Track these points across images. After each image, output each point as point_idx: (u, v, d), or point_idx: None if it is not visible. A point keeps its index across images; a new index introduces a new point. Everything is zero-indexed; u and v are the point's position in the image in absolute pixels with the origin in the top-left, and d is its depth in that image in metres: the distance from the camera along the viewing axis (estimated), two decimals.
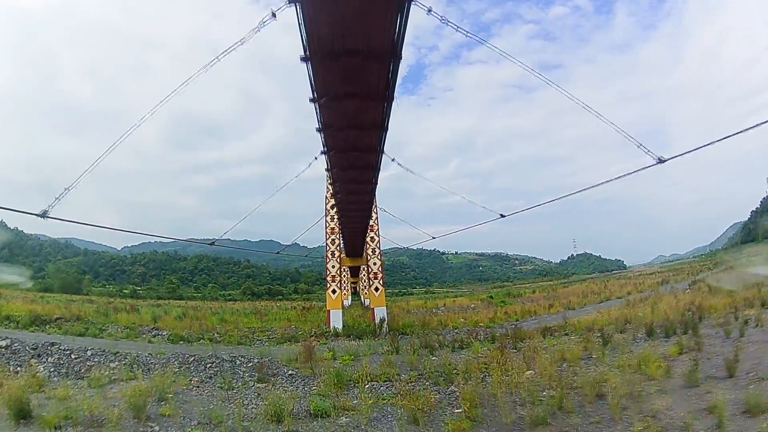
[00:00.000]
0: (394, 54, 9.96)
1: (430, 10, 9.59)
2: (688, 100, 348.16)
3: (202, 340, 19.92)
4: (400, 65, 10.49)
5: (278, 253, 32.63)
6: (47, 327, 21.79)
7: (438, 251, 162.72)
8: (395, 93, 11.76)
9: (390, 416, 8.78)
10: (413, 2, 8.86)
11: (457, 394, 9.45)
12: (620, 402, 8.71)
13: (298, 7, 8.59)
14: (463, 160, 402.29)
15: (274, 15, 9.49)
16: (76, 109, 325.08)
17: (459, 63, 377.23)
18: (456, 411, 8.75)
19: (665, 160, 10.87)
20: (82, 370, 13.98)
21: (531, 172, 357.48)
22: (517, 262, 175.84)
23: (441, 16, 10.26)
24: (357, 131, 13.92)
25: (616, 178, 13.66)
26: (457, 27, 10.87)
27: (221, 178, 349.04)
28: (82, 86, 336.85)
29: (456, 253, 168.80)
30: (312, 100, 11.78)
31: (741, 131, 9.65)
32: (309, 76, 10.59)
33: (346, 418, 8.70)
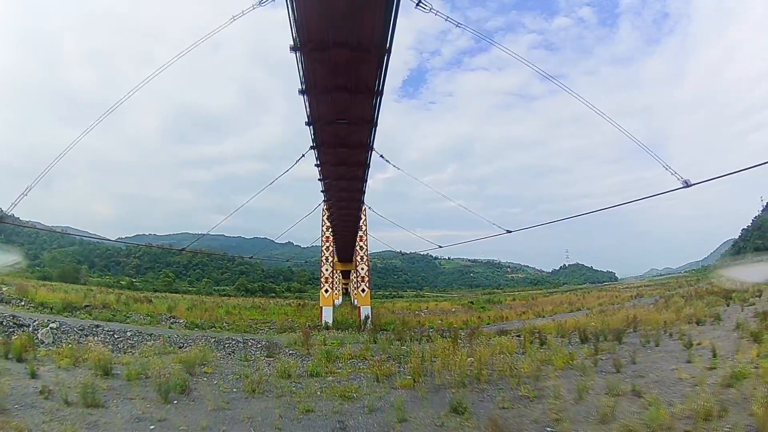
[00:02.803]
0: (376, 91, 13.06)
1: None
2: (691, 116, 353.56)
3: (213, 328, 24.33)
4: (383, 99, 13.71)
5: (288, 261, 37.17)
6: (78, 313, 25.87)
7: (431, 256, 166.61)
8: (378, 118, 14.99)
9: (362, 377, 13.28)
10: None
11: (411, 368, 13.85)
12: (521, 379, 13.09)
13: (297, 55, 11.65)
14: (460, 165, 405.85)
15: None
16: (76, 96, 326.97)
17: (461, 69, 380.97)
18: (406, 377, 13.18)
19: (511, 232, 14.98)
20: (126, 347, 18.26)
21: (528, 181, 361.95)
22: (509, 269, 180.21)
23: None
24: (346, 149, 17.43)
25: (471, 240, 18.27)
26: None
27: (218, 173, 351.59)
28: (83, 74, 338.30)
29: (449, 258, 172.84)
30: (308, 124, 15.21)
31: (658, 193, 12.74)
32: (305, 105, 14.05)
33: (332, 377, 13.23)
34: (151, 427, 8.76)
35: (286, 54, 11.38)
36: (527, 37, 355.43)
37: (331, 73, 12.23)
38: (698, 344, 17.31)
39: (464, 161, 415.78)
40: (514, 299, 62.96)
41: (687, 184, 10.68)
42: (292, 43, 11.12)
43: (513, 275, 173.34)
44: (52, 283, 50.58)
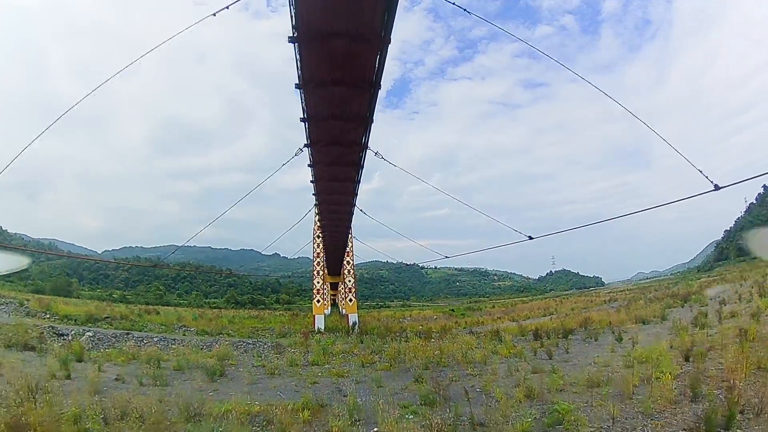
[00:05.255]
0: (366, 118, 15.76)
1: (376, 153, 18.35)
2: (675, 119, 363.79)
3: (221, 334, 28.79)
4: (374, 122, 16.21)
5: (290, 276, 41.81)
6: (100, 323, 30.14)
7: (417, 265, 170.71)
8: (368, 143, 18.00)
9: (351, 364, 18.07)
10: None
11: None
12: (472, 364, 17.86)
13: (300, 92, 14.60)
14: (445, 174, 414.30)
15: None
16: (61, 108, 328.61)
17: (444, 78, 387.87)
18: (385, 363, 17.95)
19: (448, 257, 19.63)
20: (157, 349, 22.71)
21: (514, 189, 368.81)
22: (495, 277, 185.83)
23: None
24: (338, 167, 20.38)
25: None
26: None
27: (204, 185, 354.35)
28: (68, 85, 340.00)
29: (435, 268, 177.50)
30: (306, 145, 18.15)
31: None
32: (305, 129, 16.87)
33: (329, 365, 18.01)
34: (210, 393, 13.31)
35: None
36: (510, 46, 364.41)
37: (328, 104, 15.15)
38: (630, 339, 21.27)
39: (449, 170, 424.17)
40: (493, 306, 68.03)
41: (530, 237, 14.80)
42: (297, 81, 13.90)
43: (500, 283, 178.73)
44: (59, 298, 53.98)
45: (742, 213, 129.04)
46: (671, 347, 17.48)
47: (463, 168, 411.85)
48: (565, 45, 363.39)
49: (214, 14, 11.43)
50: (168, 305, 74.83)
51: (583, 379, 13.85)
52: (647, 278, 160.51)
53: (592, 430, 9.64)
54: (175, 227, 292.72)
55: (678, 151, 11.19)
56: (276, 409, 10.77)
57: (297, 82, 13.93)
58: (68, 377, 14.78)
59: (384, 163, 18.78)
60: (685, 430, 9.36)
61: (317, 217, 29.82)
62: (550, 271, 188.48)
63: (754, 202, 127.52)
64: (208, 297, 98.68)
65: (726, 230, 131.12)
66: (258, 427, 9.87)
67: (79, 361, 17.88)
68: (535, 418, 10.45)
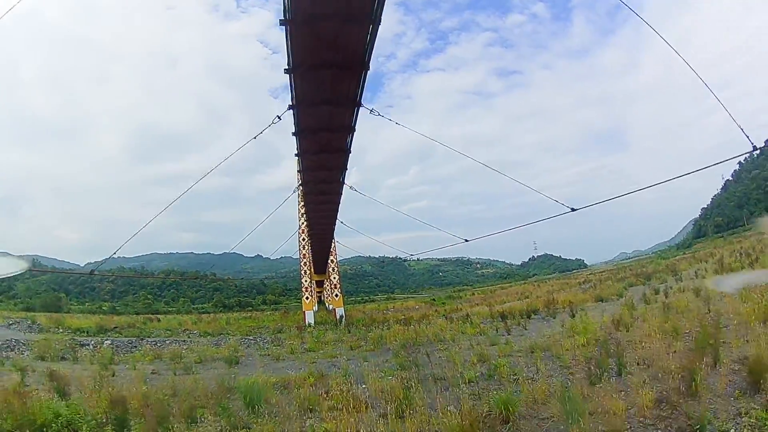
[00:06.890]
0: (355, 102, 16.49)
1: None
2: (647, 102, 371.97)
3: (222, 334, 32.55)
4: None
5: (273, 277, 45.63)
6: (111, 333, 33.49)
7: (400, 258, 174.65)
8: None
9: (342, 349, 22.13)
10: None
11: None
12: (442, 342, 22.03)
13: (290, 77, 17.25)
14: (423, 167, 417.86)
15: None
16: (34, 120, 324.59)
17: (417, 70, 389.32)
18: (370, 346, 22.07)
19: (412, 255, 23.84)
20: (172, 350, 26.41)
21: (491, 178, 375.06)
22: (479, 265, 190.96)
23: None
24: (325, 154, 21.07)
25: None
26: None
27: (183, 191, 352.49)
28: (41, 96, 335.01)
29: (418, 260, 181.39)
30: (294, 134, 19.00)
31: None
32: (294, 117, 17.60)
33: (323, 350, 22.04)
34: (232, 375, 17.19)
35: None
36: (482, 35, 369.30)
37: (317, 88, 15.56)
38: (583, 315, 25.98)
39: (426, 162, 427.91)
40: (473, 294, 72.61)
41: (466, 240, 19.20)
42: (286, 66, 14.04)
43: (482, 271, 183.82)
44: (65, 314, 56.55)
45: (719, 190, 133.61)
46: (613, 320, 20.57)
47: (440, 159, 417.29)
48: (538, 32, 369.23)
49: (255, 137, 14.15)
50: (158, 313, 77.41)
51: (526, 347, 17.99)
52: (629, 258, 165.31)
53: (519, 377, 13.74)
54: (157, 234, 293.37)
55: (529, 186, 15.16)
56: (289, 379, 14.78)
57: (287, 66, 14.11)
58: (113, 375, 18.30)
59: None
60: (586, 376, 13.46)
61: (301, 220, 34.02)
62: (533, 257, 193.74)
63: (731, 179, 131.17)
64: (194, 303, 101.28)
65: (703, 208, 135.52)
66: (278, 390, 13.83)
67: (111, 363, 21.43)
68: (480, 372, 14.56)
